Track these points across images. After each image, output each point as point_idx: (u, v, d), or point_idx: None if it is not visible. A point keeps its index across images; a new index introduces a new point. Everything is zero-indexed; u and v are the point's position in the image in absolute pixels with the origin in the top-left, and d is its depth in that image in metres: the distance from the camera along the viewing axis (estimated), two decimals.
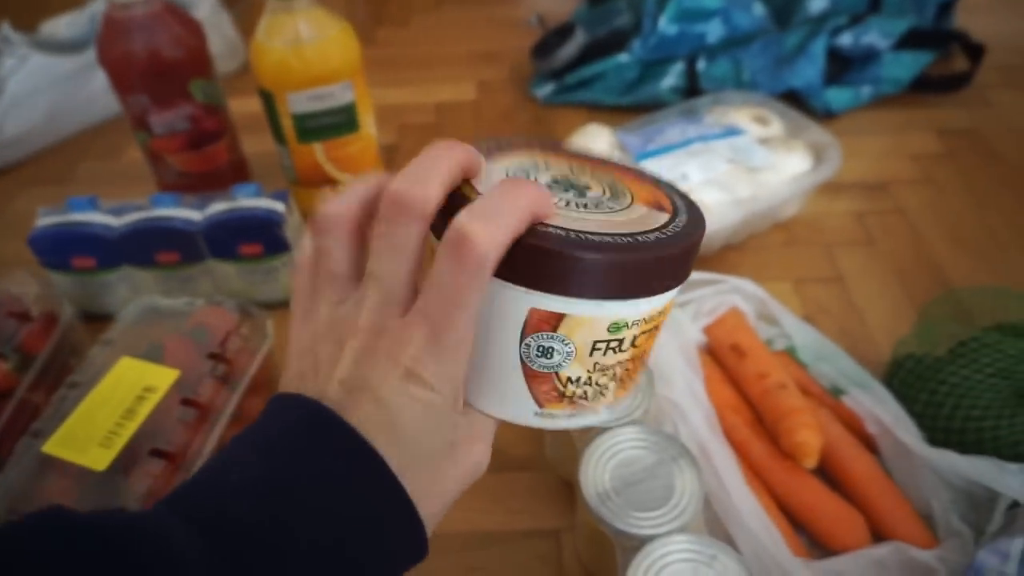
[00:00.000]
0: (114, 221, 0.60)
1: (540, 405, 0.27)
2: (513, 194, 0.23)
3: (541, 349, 0.26)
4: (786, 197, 0.64)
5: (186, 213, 0.59)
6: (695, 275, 0.58)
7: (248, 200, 0.59)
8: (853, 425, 0.49)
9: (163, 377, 0.48)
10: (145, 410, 0.46)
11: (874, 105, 0.84)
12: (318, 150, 0.67)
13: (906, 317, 0.61)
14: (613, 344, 0.26)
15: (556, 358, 0.26)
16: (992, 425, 0.45)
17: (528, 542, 0.48)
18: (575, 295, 0.24)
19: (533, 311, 0.25)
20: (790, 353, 0.54)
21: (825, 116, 0.82)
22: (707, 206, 0.63)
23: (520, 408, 0.28)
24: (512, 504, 0.50)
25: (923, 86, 0.84)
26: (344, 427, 0.23)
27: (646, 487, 0.41)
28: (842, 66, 0.82)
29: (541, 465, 0.52)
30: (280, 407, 0.25)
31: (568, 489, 0.51)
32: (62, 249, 0.60)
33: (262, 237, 0.59)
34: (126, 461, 0.44)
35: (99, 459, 0.44)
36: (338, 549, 0.23)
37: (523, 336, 0.26)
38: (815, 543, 0.46)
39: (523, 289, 0.25)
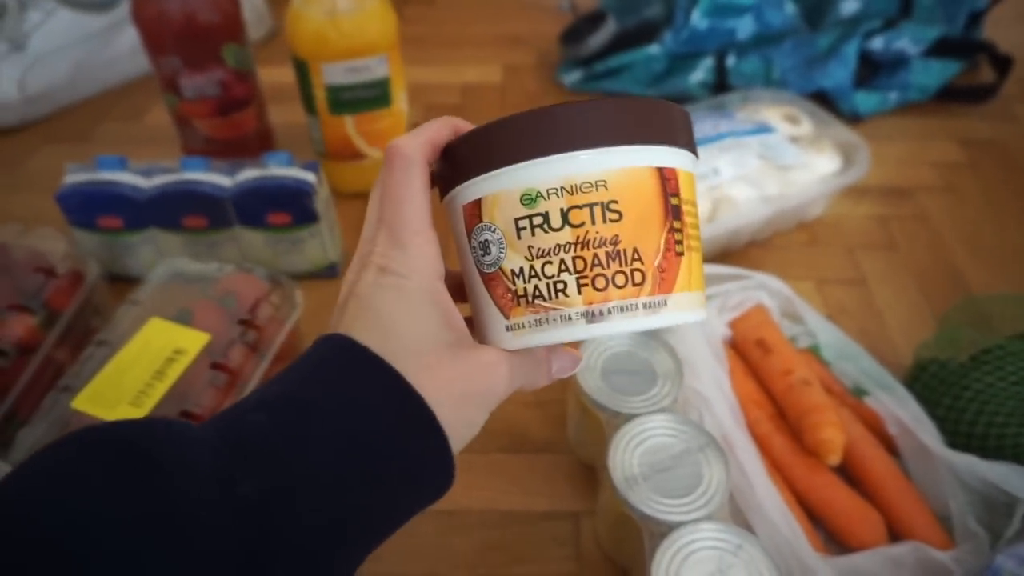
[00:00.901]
0: (143, 182, 0.59)
1: (506, 316, 0.26)
2: (435, 119, 0.28)
3: (481, 246, 0.26)
4: (814, 197, 0.64)
5: (216, 178, 0.59)
6: (721, 269, 0.58)
7: (279, 169, 0.59)
8: (874, 425, 0.50)
9: (193, 340, 0.48)
10: (175, 372, 0.46)
11: (899, 111, 0.84)
12: (349, 123, 0.67)
13: (925, 321, 0.61)
14: (536, 220, 0.25)
15: (493, 251, 0.26)
16: (1015, 432, 0.46)
17: (547, 523, 0.49)
18: (477, 172, 0.26)
19: (464, 208, 0.27)
20: (813, 351, 0.55)
21: (851, 119, 0.82)
22: (736, 201, 0.63)
23: (495, 327, 0.27)
24: (531, 485, 0.51)
25: (949, 95, 0.84)
26: (344, 341, 0.25)
27: (674, 474, 0.42)
28: (871, 70, 0.82)
29: (562, 448, 0.53)
30: (309, 347, 0.27)
31: (588, 473, 0.51)
32: (89, 208, 0.60)
33: (291, 207, 0.59)
34: None
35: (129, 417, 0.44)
36: (350, 443, 0.23)
37: (469, 240, 0.27)
38: (832, 539, 0.46)
39: (455, 191, 0.27)
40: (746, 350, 0.54)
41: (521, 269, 0.25)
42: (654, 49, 0.85)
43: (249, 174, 0.59)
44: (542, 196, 0.25)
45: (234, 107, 0.70)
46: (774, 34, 0.84)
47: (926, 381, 0.51)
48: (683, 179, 0.27)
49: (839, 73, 0.80)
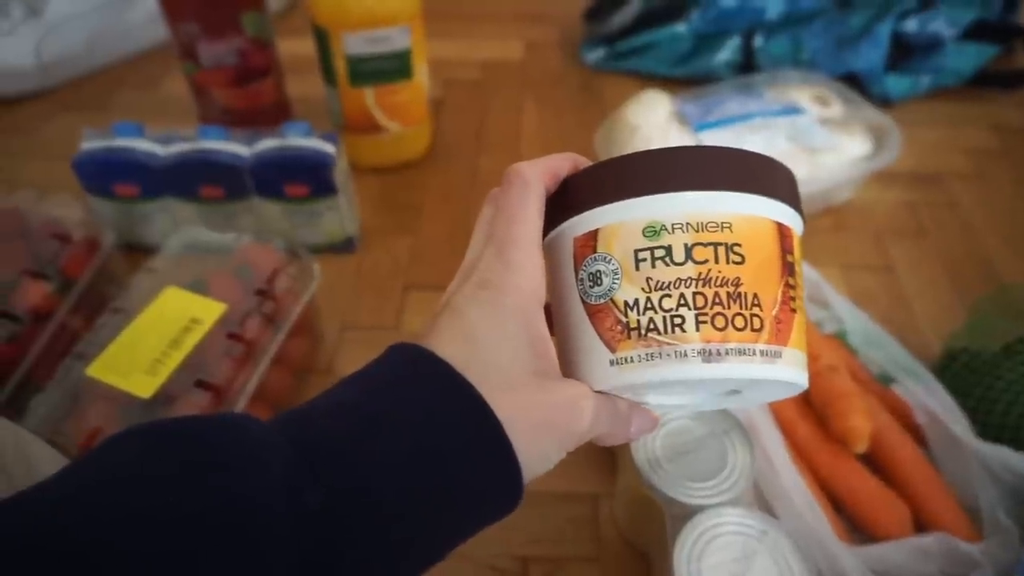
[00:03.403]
0: (160, 150, 0.59)
1: (612, 349, 0.25)
2: (557, 154, 0.28)
3: (591, 277, 0.26)
4: (843, 180, 0.63)
5: (234, 147, 0.58)
6: None
7: (298, 139, 0.58)
8: (901, 414, 0.49)
9: (210, 310, 0.47)
10: (191, 341, 0.46)
11: (931, 95, 0.82)
12: (369, 95, 0.66)
13: (954, 310, 0.60)
14: (658, 252, 0.24)
15: (605, 281, 0.25)
16: None
17: (565, 504, 0.48)
18: (598, 202, 0.25)
19: (575, 240, 0.26)
20: (840, 337, 0.53)
21: (882, 103, 0.80)
22: None
23: (597, 361, 0.26)
24: None
25: (983, 80, 0.82)
26: (427, 356, 0.24)
27: (697, 457, 0.41)
28: (904, 53, 0.80)
29: None
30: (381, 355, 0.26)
31: (607, 455, 0.50)
32: (105, 174, 0.59)
33: (310, 178, 0.58)
34: (170, 391, 0.44)
35: (144, 386, 0.44)
36: (421, 460, 0.22)
37: (576, 272, 0.26)
38: (856, 528, 0.45)
39: (565, 224, 0.27)
40: None
41: (636, 301, 0.25)
42: (680, 27, 0.83)
43: (267, 144, 0.58)
44: (666, 229, 0.24)
45: (252, 77, 0.69)
46: (804, 14, 0.82)
47: (957, 371, 0.50)
48: (796, 241, 0.27)
49: (871, 55, 0.78)
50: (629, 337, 0.25)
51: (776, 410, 0.48)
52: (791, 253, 0.26)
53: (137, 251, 0.62)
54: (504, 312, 0.24)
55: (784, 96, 0.68)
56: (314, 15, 0.63)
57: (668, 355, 0.24)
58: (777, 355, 0.25)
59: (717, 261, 0.24)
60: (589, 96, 0.85)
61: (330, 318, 0.58)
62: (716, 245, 0.24)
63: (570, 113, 0.82)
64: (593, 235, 0.26)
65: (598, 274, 0.25)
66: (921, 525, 0.45)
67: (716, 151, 0.25)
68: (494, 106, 0.83)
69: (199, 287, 0.49)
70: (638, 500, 0.42)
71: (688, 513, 0.38)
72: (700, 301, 0.24)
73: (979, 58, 0.80)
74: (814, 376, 0.49)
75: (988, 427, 0.46)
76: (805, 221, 0.28)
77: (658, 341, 0.24)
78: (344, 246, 0.64)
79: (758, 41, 0.81)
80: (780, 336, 0.25)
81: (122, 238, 0.62)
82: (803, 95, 0.68)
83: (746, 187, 0.25)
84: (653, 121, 0.63)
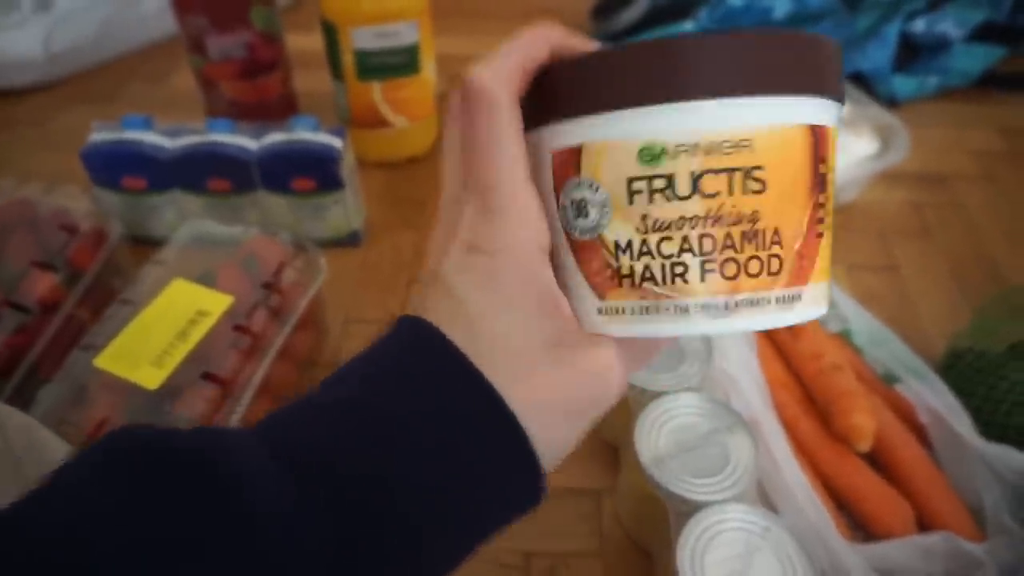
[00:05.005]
0: (168, 143, 0.59)
1: (601, 295, 0.21)
2: (524, 32, 0.22)
3: (575, 206, 0.21)
4: (850, 180, 0.63)
5: (242, 140, 0.58)
6: None
7: (306, 133, 0.58)
8: (905, 413, 0.49)
9: (216, 302, 0.48)
10: (198, 333, 0.46)
11: (938, 96, 0.82)
12: (376, 90, 0.66)
13: (959, 312, 0.60)
14: (657, 183, 0.20)
15: (592, 214, 0.21)
16: None
17: (568, 500, 0.48)
18: (582, 110, 0.20)
19: (554, 154, 0.21)
20: (845, 336, 0.53)
21: (888, 103, 0.79)
22: None
23: (586, 306, 0.22)
24: None
25: (991, 82, 0.82)
26: (432, 334, 0.21)
27: (701, 454, 0.41)
28: (911, 53, 0.80)
29: None
30: (389, 330, 0.23)
31: (610, 451, 0.50)
32: (114, 167, 0.59)
33: (317, 172, 0.58)
34: (177, 383, 0.44)
35: (151, 377, 0.44)
36: (433, 466, 0.20)
37: (557, 196, 0.21)
38: (858, 526, 0.45)
39: (543, 129, 0.21)
40: (775, 332, 0.53)
41: (629, 243, 0.20)
42: (688, 26, 0.83)
43: (275, 138, 0.58)
44: (668, 153, 0.19)
45: (260, 70, 0.69)
46: (811, 14, 0.82)
47: (961, 370, 0.50)
48: (832, 139, 0.21)
49: (878, 55, 0.77)
50: (620, 285, 0.21)
51: (779, 407, 0.48)
52: (824, 161, 0.21)
53: (144, 244, 0.62)
54: (501, 280, 0.21)
55: None
56: (323, 9, 0.63)
57: (666, 309, 0.21)
58: (796, 298, 0.21)
59: (732, 193, 0.20)
60: None
61: (335, 311, 0.59)
62: (731, 171, 0.19)
63: None
64: (576, 152, 0.21)
65: (583, 203, 0.21)
66: (924, 524, 0.45)
67: (738, 40, 0.19)
68: None
69: (207, 280, 0.50)
70: (641, 496, 0.42)
71: (691, 510, 0.38)
72: (708, 245, 0.20)
73: (987, 59, 0.80)
74: (817, 374, 0.49)
75: (992, 427, 0.46)
76: (842, 95, 0.22)
77: (655, 293, 0.21)
78: (349, 240, 0.64)
79: None
80: (801, 274, 0.21)
81: (129, 230, 0.62)
82: None
83: (774, 87, 0.19)
84: None
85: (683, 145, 0.19)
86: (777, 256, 0.20)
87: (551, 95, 0.21)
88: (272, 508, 0.18)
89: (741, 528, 0.38)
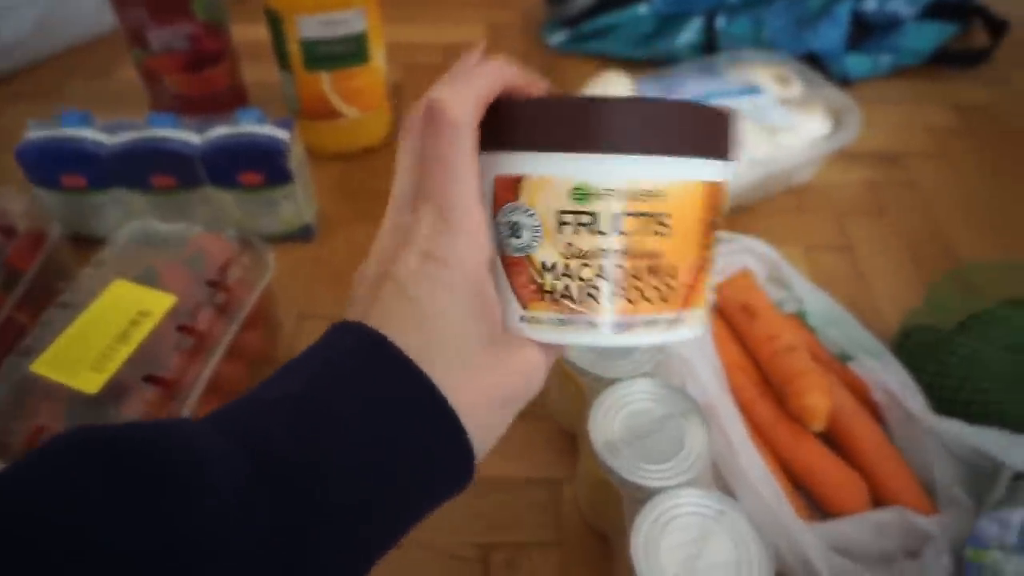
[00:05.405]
0: (107, 139, 0.57)
1: (524, 305, 0.25)
2: (480, 61, 0.25)
3: (510, 226, 0.24)
4: (803, 160, 0.63)
5: (185, 135, 0.57)
6: None
7: (251, 126, 0.57)
8: (859, 391, 0.49)
9: (159, 302, 0.46)
10: (140, 335, 0.44)
11: (892, 75, 0.83)
12: (325, 80, 0.64)
13: (914, 289, 0.60)
14: (584, 219, 0.23)
15: (525, 235, 0.24)
16: (998, 399, 0.45)
17: (527, 490, 0.48)
18: (526, 146, 0.23)
19: (497, 179, 0.24)
20: (800, 317, 0.54)
21: (842, 82, 0.80)
22: None
23: (510, 311, 0.25)
24: (511, 452, 0.49)
25: (942, 59, 0.83)
26: (381, 344, 0.23)
27: (655, 440, 0.41)
28: (863, 32, 0.80)
29: (542, 414, 0.51)
30: (328, 332, 0.25)
31: (569, 439, 0.50)
32: (51, 165, 0.57)
33: (264, 166, 0.57)
34: (119, 386, 0.43)
35: (90, 382, 0.42)
36: (375, 457, 0.22)
37: (495, 214, 0.25)
38: (815, 505, 0.46)
39: (489, 155, 0.24)
40: (731, 315, 0.53)
41: (554, 264, 0.24)
42: (642, 9, 0.82)
43: (219, 131, 0.57)
44: (595, 195, 0.23)
45: (205, 62, 0.67)
46: None
47: (913, 348, 0.50)
48: (723, 193, 0.26)
49: (830, 35, 0.78)
50: (542, 299, 0.24)
51: (737, 390, 0.48)
52: (716, 211, 0.25)
53: (90, 244, 0.60)
54: (454, 288, 0.23)
55: (744, 76, 0.68)
56: None
57: (579, 323, 0.24)
58: (681, 321, 0.25)
59: (644, 233, 0.23)
60: (552, 79, 0.84)
61: (287, 307, 0.57)
62: (646, 216, 0.23)
63: None
64: (516, 181, 0.24)
65: (517, 226, 0.24)
66: (879, 501, 0.45)
67: (658, 106, 0.23)
68: None
69: (149, 279, 0.48)
70: (598, 483, 0.42)
71: (645, 496, 0.38)
72: (619, 274, 0.24)
73: (938, 37, 0.81)
74: (772, 356, 0.49)
75: (942, 402, 0.47)
76: (737, 155, 0.26)
77: (570, 308, 0.24)
78: (301, 234, 0.62)
79: (720, 22, 0.80)
80: (688, 301, 0.25)
81: (72, 231, 0.60)
82: (763, 75, 0.68)
83: (687, 149, 0.23)
84: None
85: (609, 190, 0.23)
86: (671, 287, 0.25)
87: (504, 127, 0.24)
88: (230, 483, 0.20)
89: (695, 513, 0.38)
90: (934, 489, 0.44)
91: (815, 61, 0.79)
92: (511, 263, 0.25)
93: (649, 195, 0.23)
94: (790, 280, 0.55)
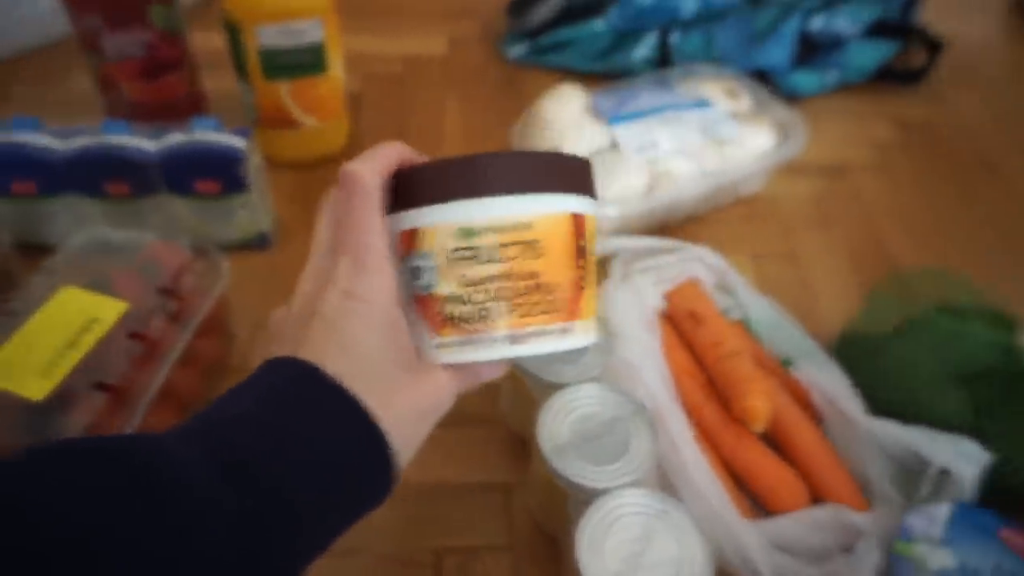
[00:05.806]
0: (59, 144, 0.56)
1: (434, 333, 0.29)
2: (385, 144, 0.30)
3: (413, 271, 0.29)
4: (751, 172, 0.65)
5: (139, 142, 0.56)
6: (658, 242, 0.58)
7: (207, 134, 0.57)
8: (800, 395, 0.51)
9: (109, 309, 0.46)
10: (89, 342, 0.44)
11: (838, 92, 0.86)
12: (283, 89, 0.65)
13: (856, 296, 0.63)
14: (469, 253, 0.28)
15: (425, 276, 0.28)
16: (928, 399, 0.48)
17: (479, 495, 0.48)
18: (417, 203, 0.28)
19: (398, 235, 0.29)
20: (744, 324, 0.55)
21: (791, 98, 0.83)
22: (675, 175, 0.63)
23: (426, 343, 0.29)
24: (463, 457, 0.50)
25: (885, 77, 0.86)
26: (317, 375, 0.27)
27: (602, 443, 0.42)
28: (810, 50, 0.83)
29: (493, 419, 0.52)
30: (263, 367, 0.28)
31: (520, 444, 0.51)
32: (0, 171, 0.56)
33: (221, 174, 0.57)
34: (67, 394, 0.43)
35: (37, 388, 0.42)
36: (318, 467, 0.26)
37: (401, 263, 0.29)
38: (757, 504, 0.47)
39: (391, 217, 0.29)
40: (679, 321, 0.54)
41: (452, 295, 0.28)
42: (599, 24, 0.84)
43: (175, 139, 0.57)
44: (477, 232, 0.27)
45: (162, 70, 0.67)
46: (716, 11, 0.85)
47: (851, 352, 0.52)
48: (589, 224, 0.30)
49: (776, 52, 0.80)
50: (448, 325, 0.29)
51: (684, 394, 0.50)
52: (583, 238, 0.30)
53: (40, 252, 0.59)
54: (373, 320, 0.27)
55: (696, 90, 0.70)
56: (225, 7, 0.61)
57: (480, 341, 0.29)
58: (569, 330, 0.29)
59: (521, 258, 0.28)
60: (511, 91, 0.85)
61: (242, 316, 0.57)
62: (520, 244, 0.28)
63: (492, 108, 0.83)
64: (413, 233, 0.28)
65: (419, 269, 0.28)
66: (817, 499, 0.47)
67: (519, 156, 0.29)
68: (415, 101, 0.83)
69: (100, 286, 0.48)
70: (547, 486, 0.43)
71: (591, 497, 0.39)
72: (506, 294, 0.28)
73: (879, 55, 0.84)
74: (717, 361, 0.50)
75: (878, 403, 0.49)
76: (598, 198, 0.31)
77: (471, 329, 0.28)
78: (258, 243, 0.63)
79: (674, 38, 0.83)
80: (572, 313, 0.29)
81: (22, 238, 0.60)
82: (714, 90, 0.70)
83: (546, 187, 0.28)
84: (567, 115, 0.64)
85: (488, 227, 0.28)
86: (554, 300, 0.29)
87: (397, 192, 0.29)
88: (203, 483, 0.23)
89: (639, 512, 0.39)
90: (869, 487, 0.46)
91: (764, 77, 0.82)
92: (420, 301, 0.29)
93: (521, 226, 0.28)
94: (736, 288, 0.57)
